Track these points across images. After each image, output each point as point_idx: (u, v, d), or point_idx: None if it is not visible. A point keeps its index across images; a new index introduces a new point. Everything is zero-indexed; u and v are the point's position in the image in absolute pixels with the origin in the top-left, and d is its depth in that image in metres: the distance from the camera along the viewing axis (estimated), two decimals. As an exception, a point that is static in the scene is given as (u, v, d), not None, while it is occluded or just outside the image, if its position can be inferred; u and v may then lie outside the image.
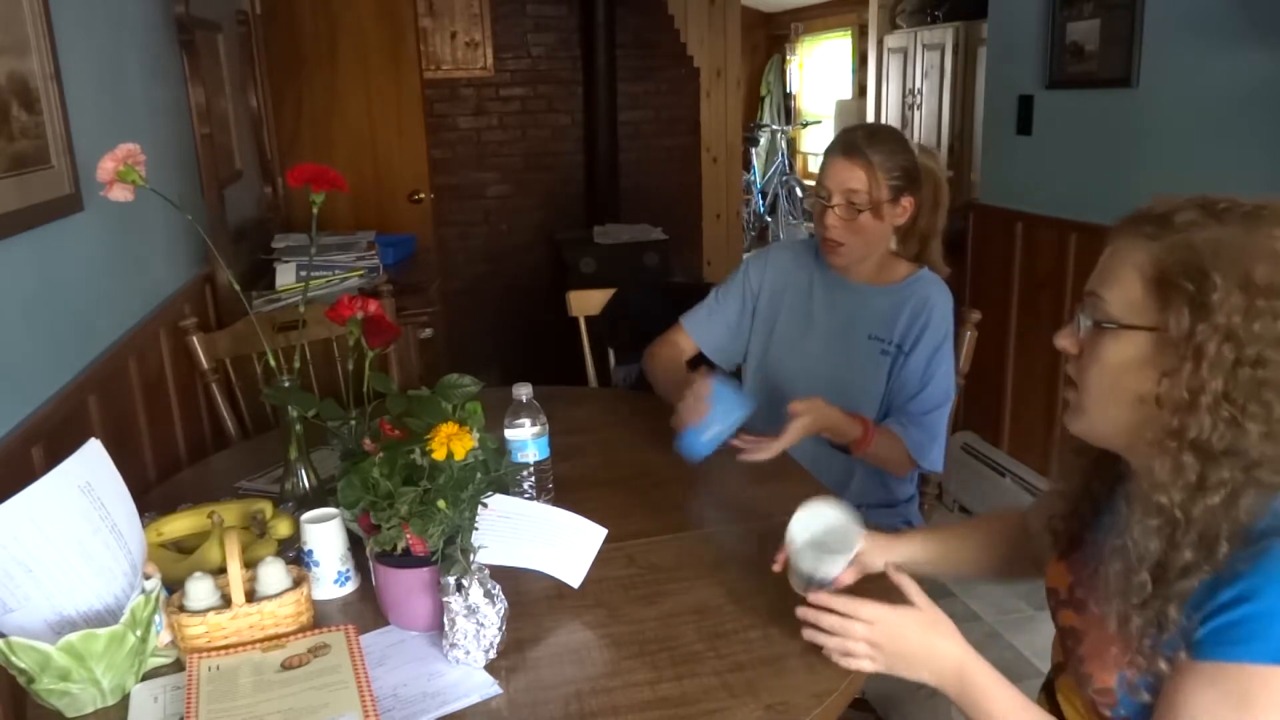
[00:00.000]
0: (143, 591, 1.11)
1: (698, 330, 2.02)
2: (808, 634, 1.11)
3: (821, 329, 1.93)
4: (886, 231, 1.84)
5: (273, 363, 1.49)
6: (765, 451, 1.63)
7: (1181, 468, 0.88)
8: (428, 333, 3.03)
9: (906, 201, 1.82)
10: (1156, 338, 0.91)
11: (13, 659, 1.04)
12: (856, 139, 1.81)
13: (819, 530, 1.24)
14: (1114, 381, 0.95)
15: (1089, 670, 1.01)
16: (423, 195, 4.13)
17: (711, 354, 2.03)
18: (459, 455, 1.14)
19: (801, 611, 1.11)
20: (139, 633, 1.10)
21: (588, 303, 2.55)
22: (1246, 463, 0.86)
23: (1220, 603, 0.86)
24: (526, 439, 1.51)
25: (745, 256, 2.14)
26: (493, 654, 1.15)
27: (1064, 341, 1.00)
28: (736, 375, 2.08)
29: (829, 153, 1.84)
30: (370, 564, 1.25)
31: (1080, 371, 0.98)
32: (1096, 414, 0.98)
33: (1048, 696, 1.15)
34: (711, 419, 1.60)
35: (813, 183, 5.43)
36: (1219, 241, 0.88)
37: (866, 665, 1.07)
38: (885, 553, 1.25)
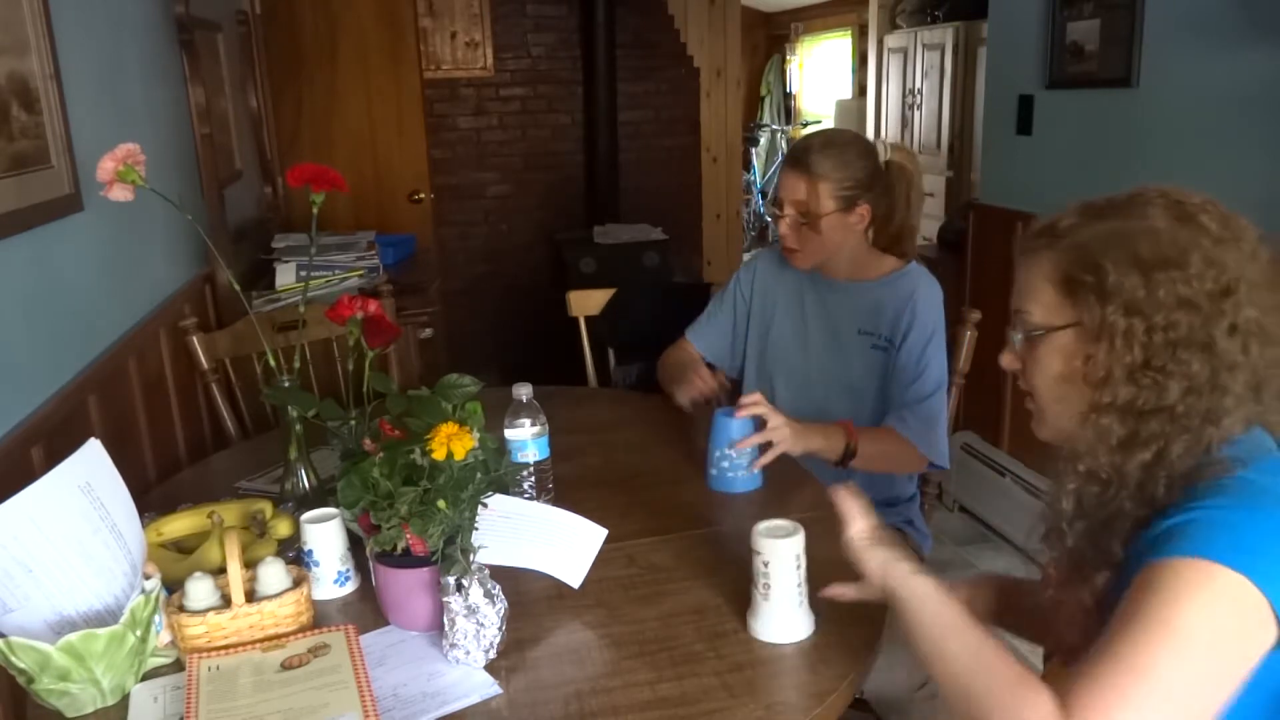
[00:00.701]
0: (143, 591, 1.11)
1: (700, 338, 2.07)
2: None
3: (815, 329, 1.94)
4: (839, 240, 1.84)
5: (273, 363, 1.49)
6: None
7: (1105, 432, 0.96)
8: (428, 333, 3.03)
9: (862, 209, 1.82)
10: (1077, 331, 0.99)
11: (13, 659, 1.04)
12: (807, 150, 1.83)
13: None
14: (1058, 386, 1.03)
15: (1060, 631, 1.04)
16: (423, 195, 4.13)
17: (714, 360, 2.06)
18: (459, 455, 1.14)
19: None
20: (139, 633, 1.10)
21: (588, 303, 2.55)
22: (1171, 414, 0.93)
23: (1164, 526, 0.90)
24: (526, 439, 1.51)
25: (745, 257, 2.15)
26: (493, 654, 1.14)
27: (1006, 360, 1.09)
28: (735, 388, 2.08)
29: (782, 161, 1.89)
30: (370, 564, 1.25)
31: (1029, 382, 1.06)
32: (1052, 416, 1.06)
33: None
34: (717, 456, 1.61)
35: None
36: (1103, 233, 0.98)
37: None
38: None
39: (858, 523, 1.12)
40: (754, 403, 1.61)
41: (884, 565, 1.06)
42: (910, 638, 1.01)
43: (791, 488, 1.63)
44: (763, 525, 1.20)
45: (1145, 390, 0.94)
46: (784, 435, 1.63)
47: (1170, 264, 0.93)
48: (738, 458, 1.60)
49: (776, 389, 1.97)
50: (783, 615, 1.18)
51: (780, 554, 1.16)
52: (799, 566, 1.18)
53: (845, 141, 1.85)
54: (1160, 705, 0.83)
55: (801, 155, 1.82)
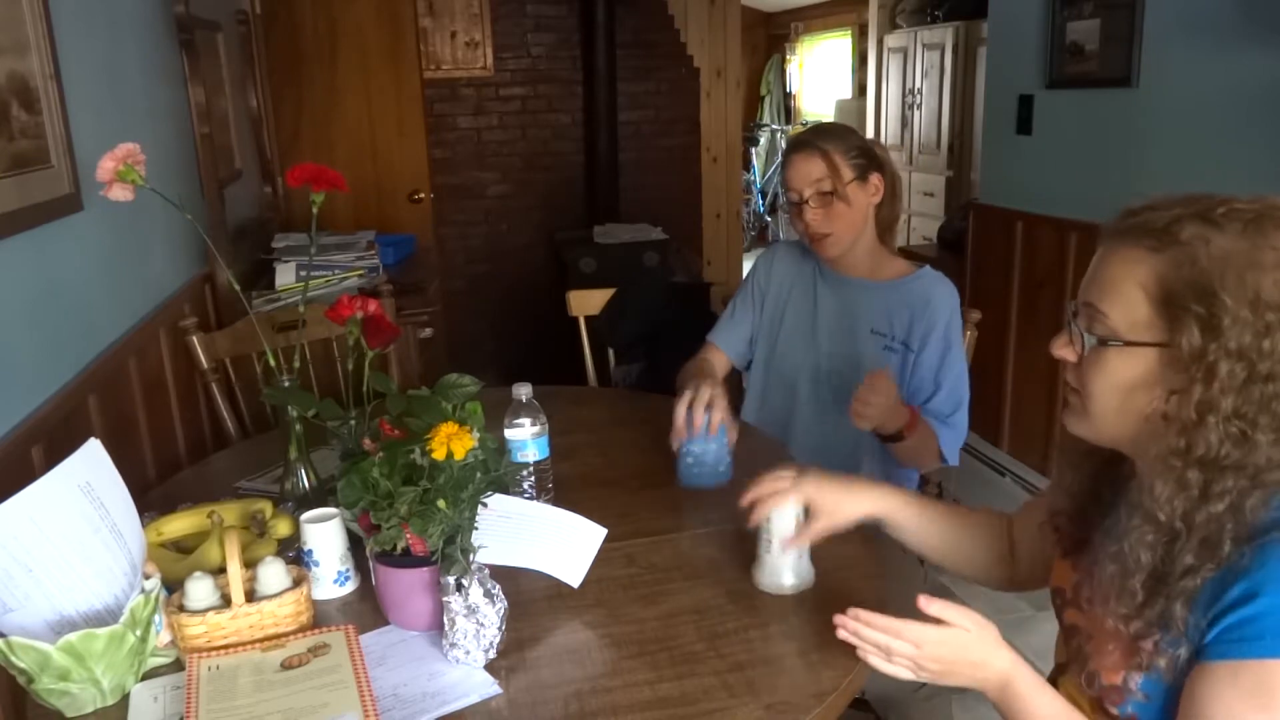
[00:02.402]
0: (142, 591, 1.11)
1: (722, 339, 2.06)
2: (843, 635, 1.06)
3: (826, 325, 1.94)
4: (865, 211, 1.87)
5: (272, 363, 1.49)
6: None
7: (1186, 483, 0.88)
8: (428, 333, 3.03)
9: (875, 179, 1.86)
10: (1164, 354, 0.90)
11: (13, 659, 1.04)
12: (806, 136, 1.89)
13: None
14: (1120, 397, 0.94)
15: (1095, 668, 1.01)
16: (423, 195, 4.13)
17: (737, 359, 2.06)
18: (459, 455, 1.14)
19: (840, 620, 1.07)
20: (139, 632, 1.10)
21: (588, 303, 2.55)
22: (1254, 470, 0.87)
23: (1229, 601, 0.85)
24: (526, 439, 1.51)
25: (759, 254, 2.14)
26: (492, 654, 1.14)
27: (1062, 351, 1.00)
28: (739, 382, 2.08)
29: (786, 157, 1.91)
30: (370, 564, 1.25)
31: (1082, 381, 0.98)
32: (1100, 422, 0.98)
33: None
34: (684, 452, 1.62)
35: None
36: (1226, 257, 0.87)
37: (907, 676, 1.05)
38: (851, 501, 1.26)
39: (969, 623, 1.04)
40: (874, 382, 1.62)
41: (1015, 666, 1.01)
42: None
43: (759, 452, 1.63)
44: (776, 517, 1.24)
45: (1231, 443, 0.87)
46: (878, 410, 1.62)
47: None
48: (703, 454, 1.60)
49: (786, 381, 1.97)
50: (784, 565, 1.24)
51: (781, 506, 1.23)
52: (799, 516, 1.24)
53: (834, 125, 1.95)
54: None
55: (803, 140, 1.88)
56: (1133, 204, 0.96)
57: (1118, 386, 0.94)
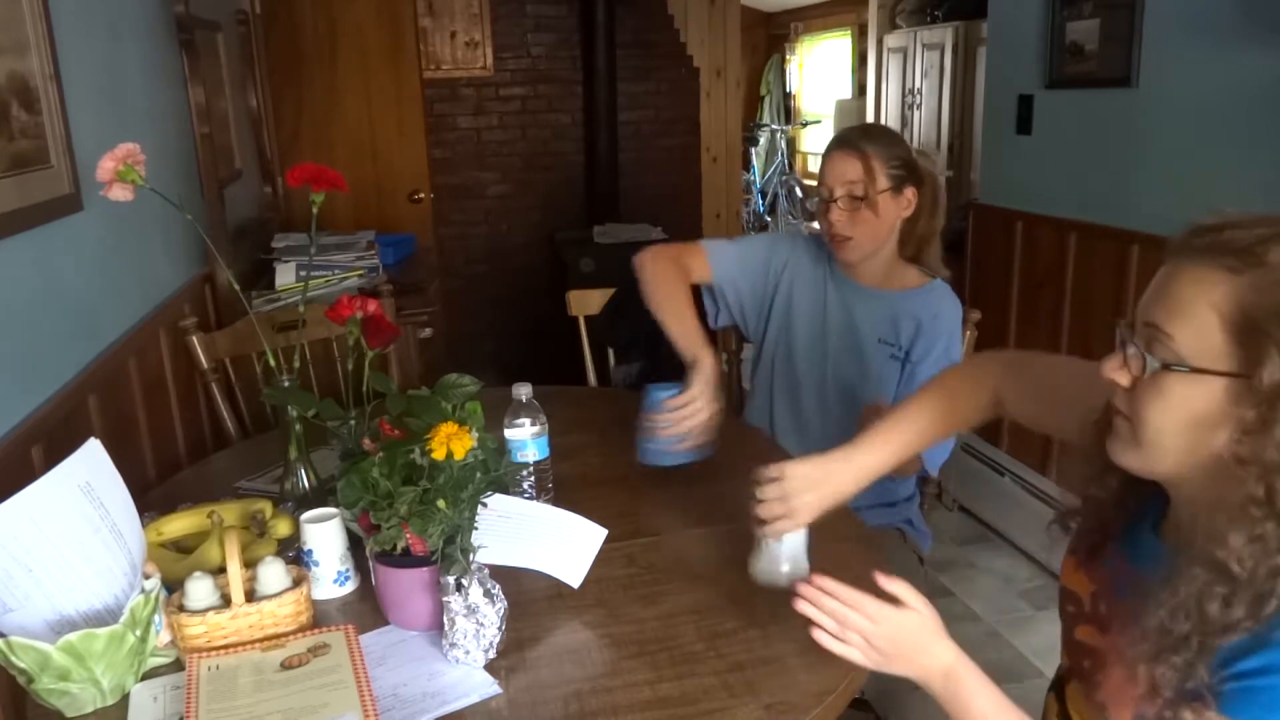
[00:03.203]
0: (142, 591, 1.11)
1: (717, 256, 1.96)
2: (801, 606, 1.06)
3: (835, 331, 1.93)
4: (891, 223, 1.85)
5: (272, 363, 1.49)
6: None
7: (1265, 538, 0.81)
8: (428, 333, 3.03)
9: (910, 193, 1.84)
10: (1236, 385, 0.82)
11: (13, 659, 1.04)
12: (852, 135, 1.86)
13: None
14: (1182, 429, 0.86)
15: (1103, 699, 1.00)
16: (423, 195, 4.13)
17: (722, 281, 1.97)
18: (459, 455, 1.14)
19: (802, 588, 1.07)
20: (138, 632, 1.10)
21: (588, 302, 2.54)
22: None
23: (1247, 668, 0.81)
24: (526, 439, 1.51)
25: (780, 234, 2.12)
26: (492, 654, 1.15)
27: (1115, 374, 0.90)
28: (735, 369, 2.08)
29: (827, 151, 1.87)
30: (370, 564, 1.25)
31: (1136, 408, 0.89)
32: (1153, 454, 0.89)
33: (1057, 698, 1.14)
34: (644, 430, 1.61)
35: (812, 182, 5.43)
36: None
37: (854, 656, 1.04)
38: (855, 470, 1.24)
39: (922, 606, 1.04)
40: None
41: (958, 662, 1.01)
42: None
43: (765, 456, 1.62)
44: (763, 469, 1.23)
45: None
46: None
47: None
48: (661, 433, 1.59)
49: (795, 384, 1.96)
50: (781, 556, 1.23)
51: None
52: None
53: (885, 129, 1.93)
54: None
55: (848, 138, 1.85)
56: (1205, 220, 0.87)
57: (1178, 418, 0.85)
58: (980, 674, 1.02)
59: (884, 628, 1.02)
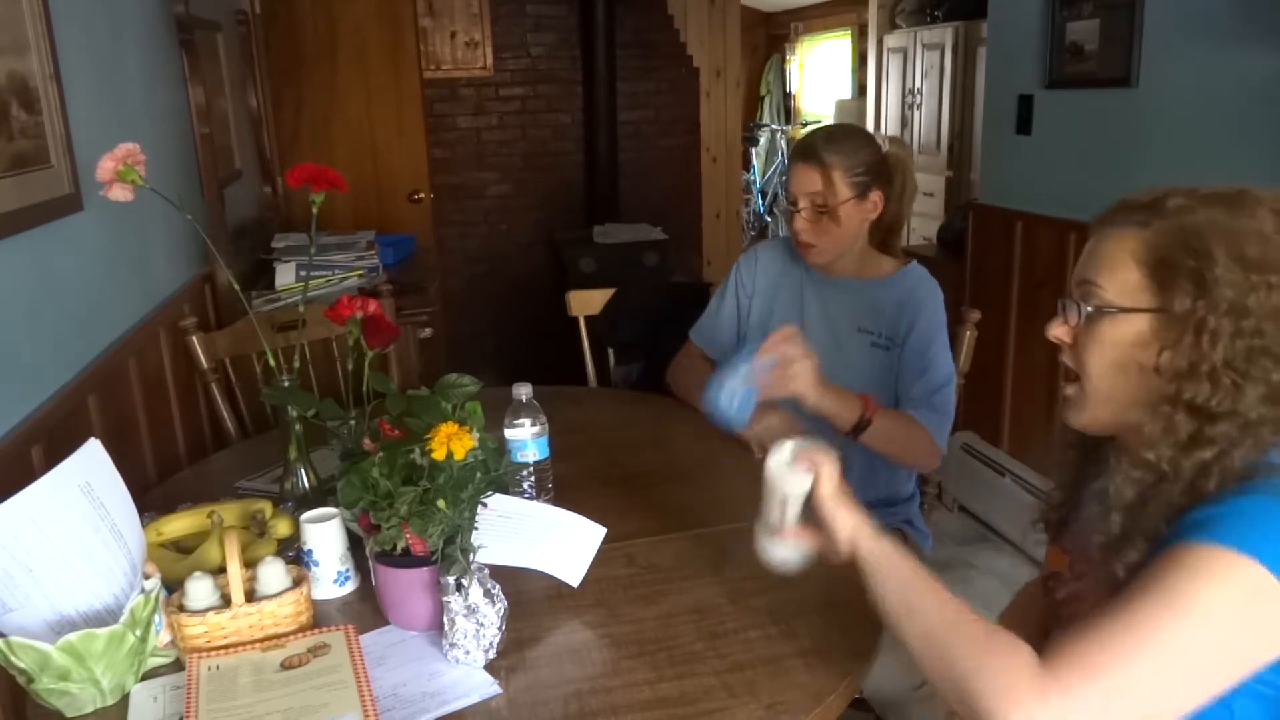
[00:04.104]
0: (142, 591, 1.11)
1: (703, 338, 2.07)
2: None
3: (814, 325, 1.94)
4: (856, 228, 1.86)
5: (272, 363, 1.49)
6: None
7: (1174, 426, 0.93)
8: (428, 333, 3.03)
9: (875, 196, 1.84)
10: (1157, 318, 0.95)
11: (13, 659, 1.04)
12: (814, 143, 1.84)
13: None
14: (1115, 361, 0.98)
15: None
16: (422, 195, 4.13)
17: (719, 358, 2.04)
18: (459, 455, 1.14)
19: None
20: (138, 632, 1.10)
21: (588, 303, 2.55)
22: (1244, 421, 0.91)
23: (1202, 514, 0.88)
24: (526, 439, 1.51)
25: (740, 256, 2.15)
26: (492, 654, 1.15)
27: (1057, 331, 1.03)
28: None
29: (790, 159, 1.89)
30: (370, 564, 1.25)
31: (1079, 359, 1.01)
32: (1099, 400, 1.01)
33: None
34: (716, 386, 1.55)
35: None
36: (1212, 222, 0.93)
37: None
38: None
39: (830, 479, 1.08)
40: (784, 338, 1.60)
41: (857, 528, 1.04)
42: (879, 600, 1.00)
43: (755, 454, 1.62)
44: (773, 454, 1.15)
45: (1222, 392, 0.91)
46: (803, 375, 1.61)
47: (1271, 269, 0.91)
48: (734, 393, 1.54)
49: None
50: (790, 538, 1.15)
51: (789, 480, 1.13)
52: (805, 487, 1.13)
53: (850, 132, 1.90)
54: (1153, 677, 0.82)
55: (810, 147, 1.84)
56: (1126, 198, 1.02)
57: (1112, 360, 0.98)
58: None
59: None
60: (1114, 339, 0.98)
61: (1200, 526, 0.87)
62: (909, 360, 1.83)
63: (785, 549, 1.16)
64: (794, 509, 1.13)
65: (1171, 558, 0.86)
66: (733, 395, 1.53)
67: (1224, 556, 0.83)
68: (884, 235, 1.93)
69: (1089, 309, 0.99)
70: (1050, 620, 1.16)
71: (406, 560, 1.18)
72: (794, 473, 1.12)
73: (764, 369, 1.56)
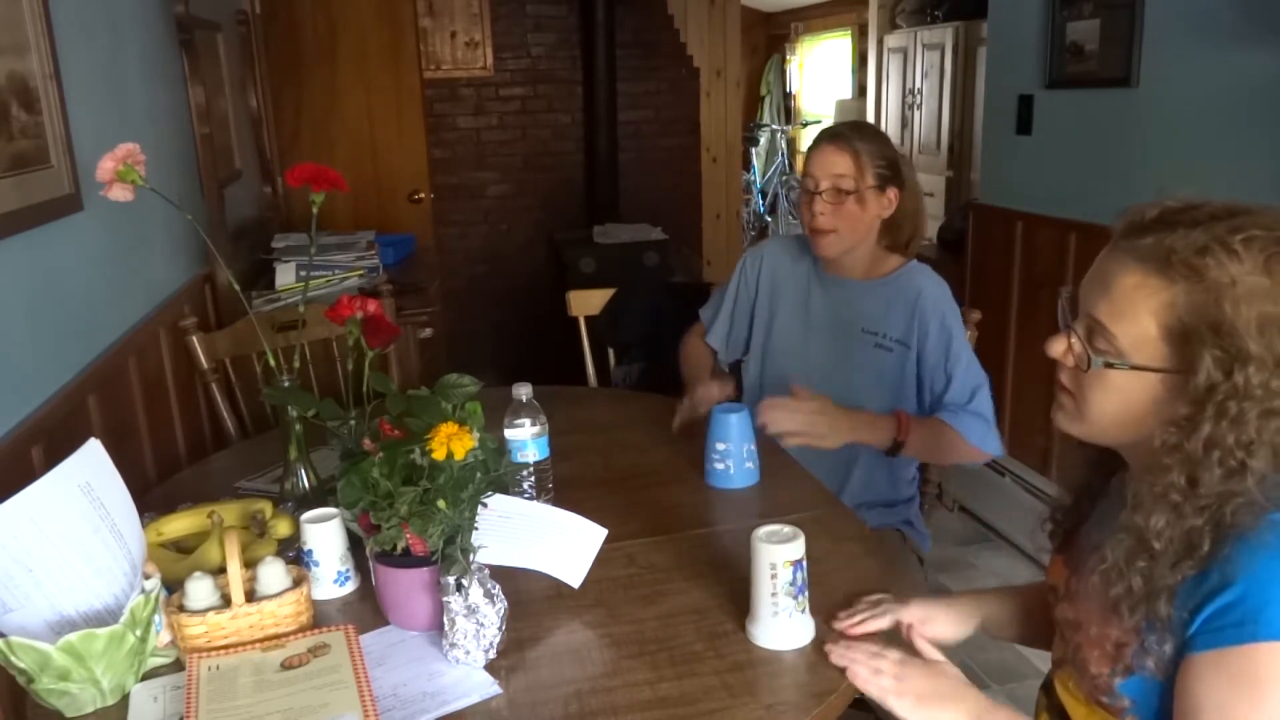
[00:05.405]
0: (142, 591, 1.11)
1: (712, 330, 2.10)
2: (837, 655, 1.11)
3: (819, 326, 1.94)
4: (872, 221, 1.86)
5: (272, 363, 1.49)
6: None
7: (1183, 515, 0.88)
8: (428, 333, 3.03)
9: (892, 193, 1.85)
10: (1171, 380, 0.90)
11: (13, 659, 1.04)
12: (844, 129, 1.89)
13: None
14: (1121, 414, 0.94)
15: (1085, 657, 1.02)
16: (422, 195, 4.13)
17: (720, 349, 2.09)
18: (459, 455, 1.14)
19: (833, 642, 1.14)
20: (139, 632, 1.10)
21: (588, 303, 2.55)
22: (1242, 489, 0.87)
23: (1206, 590, 0.87)
24: (526, 439, 1.51)
25: (747, 251, 2.16)
26: (492, 654, 1.14)
27: (1057, 351, 0.99)
28: (735, 371, 2.09)
29: (816, 143, 1.90)
30: (370, 564, 1.25)
31: (1080, 390, 0.97)
32: (1094, 428, 0.98)
33: (1046, 693, 1.15)
34: (720, 453, 1.61)
35: (813, 182, 5.29)
36: (1247, 294, 0.85)
37: (888, 685, 1.06)
38: (954, 624, 1.24)
39: (943, 660, 1.10)
40: (777, 405, 1.66)
41: (982, 708, 1.04)
42: None
43: (790, 483, 1.63)
44: (762, 531, 1.17)
45: (1230, 475, 0.86)
46: (831, 436, 1.67)
47: None
48: (733, 454, 1.60)
49: (780, 383, 1.97)
50: (783, 621, 1.15)
51: (780, 559, 1.14)
52: (799, 571, 1.15)
53: (874, 128, 1.97)
54: None
55: (842, 132, 1.88)
56: (1146, 211, 0.94)
57: (1118, 404, 0.94)
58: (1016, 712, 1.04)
59: (914, 664, 1.09)
60: (1123, 392, 0.93)
61: (1225, 623, 0.85)
62: (931, 365, 1.82)
63: (790, 626, 1.16)
64: (784, 575, 1.14)
65: (1226, 672, 0.84)
66: (729, 468, 1.61)
67: (1271, 653, 0.83)
68: (906, 240, 1.92)
69: (1099, 360, 0.94)
70: (1055, 643, 1.15)
71: (406, 560, 1.18)
72: (772, 541, 1.15)
73: (744, 427, 1.61)
